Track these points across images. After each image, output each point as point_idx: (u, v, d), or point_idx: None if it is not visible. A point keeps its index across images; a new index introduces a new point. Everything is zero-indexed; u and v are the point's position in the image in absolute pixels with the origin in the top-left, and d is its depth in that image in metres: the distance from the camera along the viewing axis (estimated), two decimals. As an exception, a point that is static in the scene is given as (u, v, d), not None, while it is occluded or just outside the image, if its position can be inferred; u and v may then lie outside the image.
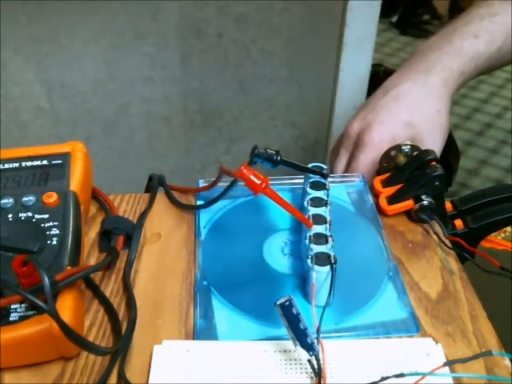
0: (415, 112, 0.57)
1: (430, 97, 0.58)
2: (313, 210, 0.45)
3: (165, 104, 1.12)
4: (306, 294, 0.42)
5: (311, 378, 0.36)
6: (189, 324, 0.41)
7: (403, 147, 0.54)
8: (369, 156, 0.56)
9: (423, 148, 0.53)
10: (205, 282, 0.44)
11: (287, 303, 0.35)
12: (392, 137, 0.56)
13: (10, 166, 0.48)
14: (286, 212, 0.45)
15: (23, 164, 0.48)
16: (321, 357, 0.35)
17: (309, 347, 0.35)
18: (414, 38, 2.38)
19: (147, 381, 0.36)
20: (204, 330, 0.40)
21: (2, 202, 0.44)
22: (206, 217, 0.50)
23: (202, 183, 0.53)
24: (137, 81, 1.07)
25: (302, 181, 0.51)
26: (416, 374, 0.34)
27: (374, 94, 0.61)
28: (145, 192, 0.55)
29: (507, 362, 0.38)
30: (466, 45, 0.60)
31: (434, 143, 0.57)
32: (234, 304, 0.42)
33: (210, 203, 0.50)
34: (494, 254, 0.47)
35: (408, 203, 0.50)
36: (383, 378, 0.34)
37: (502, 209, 0.51)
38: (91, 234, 0.50)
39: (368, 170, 0.56)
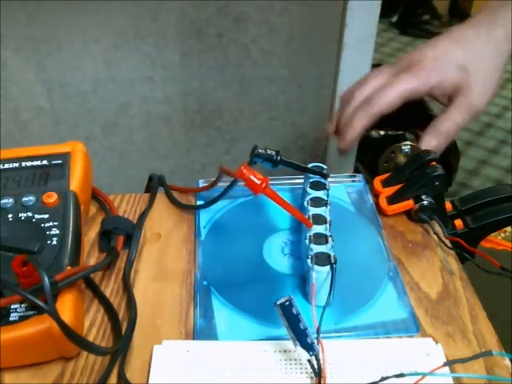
0: (472, 59, 0.55)
1: (490, 48, 0.57)
2: (313, 210, 0.45)
3: (165, 104, 1.12)
4: (305, 294, 0.42)
5: (311, 378, 0.36)
6: (189, 324, 0.41)
7: (403, 147, 0.54)
8: (410, 83, 0.54)
9: (469, 97, 0.53)
10: (205, 282, 0.44)
11: (287, 303, 0.35)
12: (441, 75, 0.54)
13: (10, 166, 0.47)
14: (286, 212, 0.45)
15: (23, 164, 0.48)
16: (321, 357, 0.35)
17: (309, 347, 0.35)
18: (413, 37, 2.38)
19: (147, 381, 0.36)
20: (204, 330, 0.40)
21: (2, 202, 0.44)
22: (206, 217, 0.50)
23: (201, 183, 0.53)
24: (137, 81, 1.07)
25: (301, 181, 0.51)
26: (416, 374, 0.34)
27: (437, 36, 0.59)
28: (145, 192, 0.55)
29: (507, 361, 0.38)
30: None
31: (483, 95, 0.55)
32: (234, 304, 0.42)
33: (209, 203, 0.50)
34: (494, 254, 0.47)
35: (408, 203, 0.50)
36: (383, 378, 0.34)
37: (501, 209, 0.51)
38: (91, 234, 0.50)
39: (402, 96, 0.53)
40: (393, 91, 0.53)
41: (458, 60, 0.55)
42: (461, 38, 0.57)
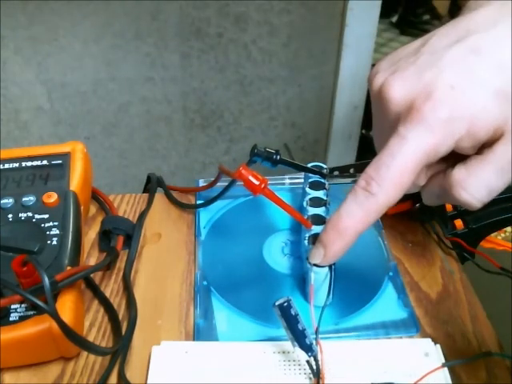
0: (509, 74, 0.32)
1: None
2: (312, 211, 0.45)
3: (165, 104, 1.12)
4: (305, 295, 0.42)
5: (310, 378, 0.36)
6: (189, 324, 0.41)
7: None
8: (423, 145, 0.32)
9: None
10: (205, 282, 0.44)
11: (286, 304, 0.35)
12: (472, 114, 0.31)
13: (10, 166, 0.47)
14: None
15: (23, 164, 0.48)
16: (319, 358, 0.35)
17: (307, 348, 0.35)
18: (414, 37, 2.36)
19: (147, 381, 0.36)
20: (204, 331, 0.40)
21: (2, 202, 0.44)
22: (206, 217, 0.50)
23: (201, 183, 0.53)
24: (137, 81, 1.08)
25: (301, 181, 0.51)
26: (415, 374, 0.34)
27: (423, 40, 0.38)
28: (143, 192, 0.55)
29: (507, 362, 0.38)
30: None
31: None
32: (234, 304, 0.42)
33: (209, 202, 0.50)
34: (494, 254, 0.47)
35: (408, 203, 0.50)
36: (383, 379, 0.34)
37: (502, 209, 0.51)
38: (91, 233, 0.50)
39: (415, 170, 0.33)
40: (396, 169, 0.33)
41: (492, 83, 0.32)
42: (481, 45, 0.33)
